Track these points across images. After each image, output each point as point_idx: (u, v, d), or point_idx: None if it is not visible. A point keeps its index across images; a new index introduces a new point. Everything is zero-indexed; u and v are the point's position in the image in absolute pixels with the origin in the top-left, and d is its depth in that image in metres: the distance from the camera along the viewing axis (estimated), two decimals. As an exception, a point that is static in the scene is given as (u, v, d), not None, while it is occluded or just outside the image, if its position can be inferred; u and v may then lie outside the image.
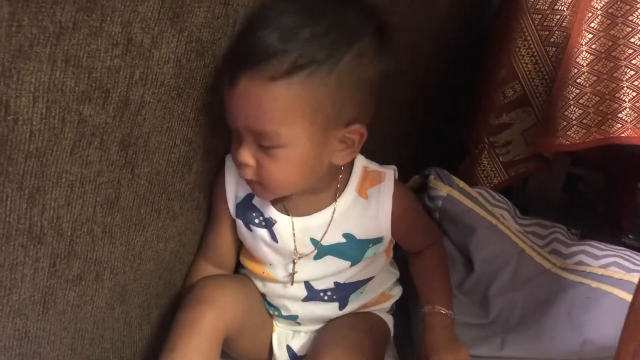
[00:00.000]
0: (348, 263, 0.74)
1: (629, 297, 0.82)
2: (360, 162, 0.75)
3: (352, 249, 0.74)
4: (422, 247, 0.83)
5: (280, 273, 0.76)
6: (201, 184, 0.73)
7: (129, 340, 0.75)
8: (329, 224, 0.72)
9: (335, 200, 0.73)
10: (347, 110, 0.63)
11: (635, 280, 0.84)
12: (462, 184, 0.98)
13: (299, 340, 0.80)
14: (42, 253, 0.58)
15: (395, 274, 0.84)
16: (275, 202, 0.73)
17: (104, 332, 0.70)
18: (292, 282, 0.75)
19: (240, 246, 0.79)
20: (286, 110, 0.60)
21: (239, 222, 0.75)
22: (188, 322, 0.68)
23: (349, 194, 0.73)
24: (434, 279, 0.81)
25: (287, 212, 0.73)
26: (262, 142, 0.62)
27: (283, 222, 0.73)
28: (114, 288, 0.68)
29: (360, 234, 0.73)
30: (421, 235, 0.83)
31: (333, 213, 0.72)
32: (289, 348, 0.79)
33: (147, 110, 0.60)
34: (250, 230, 0.74)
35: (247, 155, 0.64)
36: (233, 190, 0.74)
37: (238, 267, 0.82)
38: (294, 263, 0.74)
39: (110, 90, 0.55)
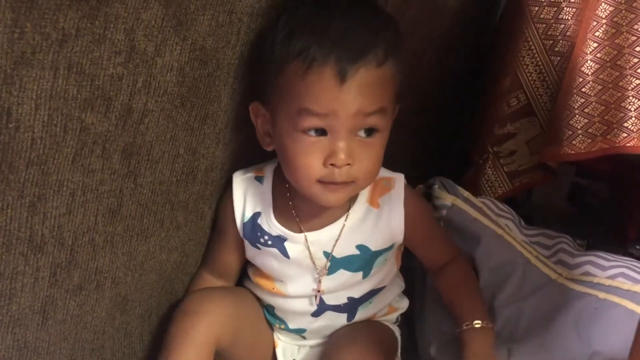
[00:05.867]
0: (360, 274, 0.74)
1: (637, 309, 0.81)
2: None
3: (364, 260, 0.73)
4: (444, 260, 0.81)
5: (290, 289, 0.75)
6: (205, 195, 0.73)
7: (129, 351, 0.74)
8: (339, 236, 0.72)
9: (347, 211, 0.72)
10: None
11: (644, 292, 0.83)
12: (466, 193, 0.97)
13: (305, 354, 0.79)
14: (42, 262, 0.57)
15: (401, 285, 0.83)
16: (283, 219, 0.73)
17: (104, 343, 0.69)
18: (318, 301, 0.75)
19: (245, 260, 0.78)
20: (392, 89, 0.67)
21: (246, 242, 0.75)
22: (179, 333, 0.68)
23: (360, 205, 0.72)
24: (462, 294, 0.79)
25: (298, 227, 0.72)
26: (370, 123, 0.64)
27: (294, 237, 0.72)
28: (114, 298, 0.67)
29: (375, 245, 0.73)
30: (440, 243, 0.81)
31: (344, 225, 0.72)
32: None
33: (150, 119, 0.60)
34: (259, 249, 0.74)
35: (347, 154, 0.64)
36: (241, 209, 0.74)
37: (242, 278, 0.81)
38: (319, 281, 0.73)
39: (113, 98, 0.55)
